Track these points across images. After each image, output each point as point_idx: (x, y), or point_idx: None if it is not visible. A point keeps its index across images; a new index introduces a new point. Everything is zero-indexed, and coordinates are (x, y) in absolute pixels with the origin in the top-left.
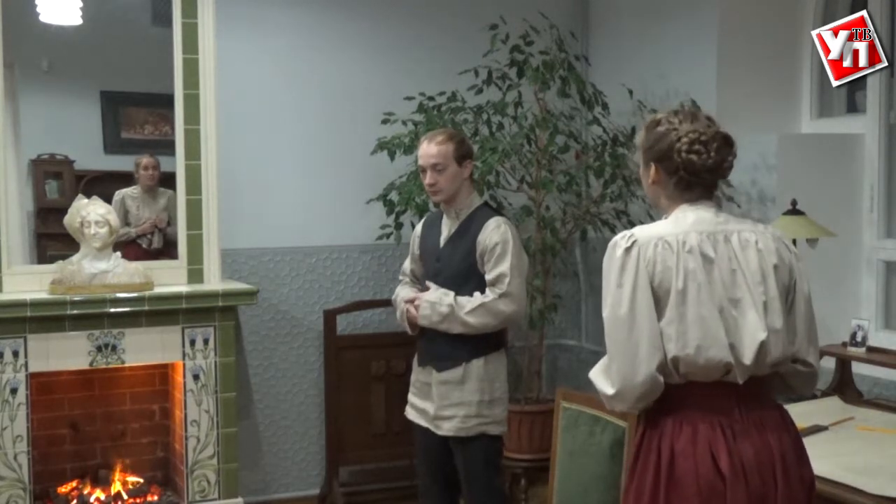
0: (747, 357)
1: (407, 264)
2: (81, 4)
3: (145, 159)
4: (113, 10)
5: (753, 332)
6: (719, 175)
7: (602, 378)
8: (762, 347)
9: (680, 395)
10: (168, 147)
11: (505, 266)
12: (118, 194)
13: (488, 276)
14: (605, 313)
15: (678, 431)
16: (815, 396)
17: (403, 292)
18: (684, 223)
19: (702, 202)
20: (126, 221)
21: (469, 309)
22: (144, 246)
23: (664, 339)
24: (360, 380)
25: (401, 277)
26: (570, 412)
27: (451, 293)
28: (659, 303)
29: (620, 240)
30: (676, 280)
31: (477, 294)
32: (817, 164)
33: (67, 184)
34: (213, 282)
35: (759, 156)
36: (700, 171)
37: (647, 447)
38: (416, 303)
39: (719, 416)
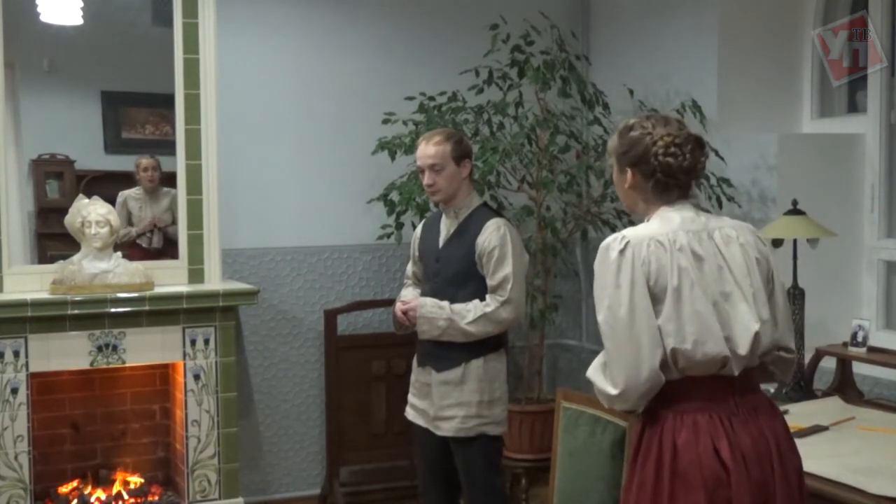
0: (742, 348)
1: (409, 267)
2: (82, 4)
3: (144, 160)
4: (114, 10)
5: (746, 323)
6: (694, 176)
7: (602, 377)
8: (756, 338)
9: (678, 389)
10: (169, 147)
11: (506, 271)
12: (121, 196)
13: (490, 282)
14: (602, 316)
15: (679, 425)
16: (815, 396)
17: (403, 294)
18: (671, 224)
19: (680, 203)
20: (129, 222)
21: (470, 319)
22: (144, 245)
23: (663, 334)
24: (360, 380)
25: (405, 281)
26: (570, 412)
27: (446, 304)
28: (655, 301)
29: (613, 242)
30: (671, 277)
31: (476, 302)
32: (818, 164)
33: (68, 184)
34: (214, 282)
35: (760, 156)
36: (677, 172)
37: (647, 442)
38: (410, 314)
39: (717, 408)
